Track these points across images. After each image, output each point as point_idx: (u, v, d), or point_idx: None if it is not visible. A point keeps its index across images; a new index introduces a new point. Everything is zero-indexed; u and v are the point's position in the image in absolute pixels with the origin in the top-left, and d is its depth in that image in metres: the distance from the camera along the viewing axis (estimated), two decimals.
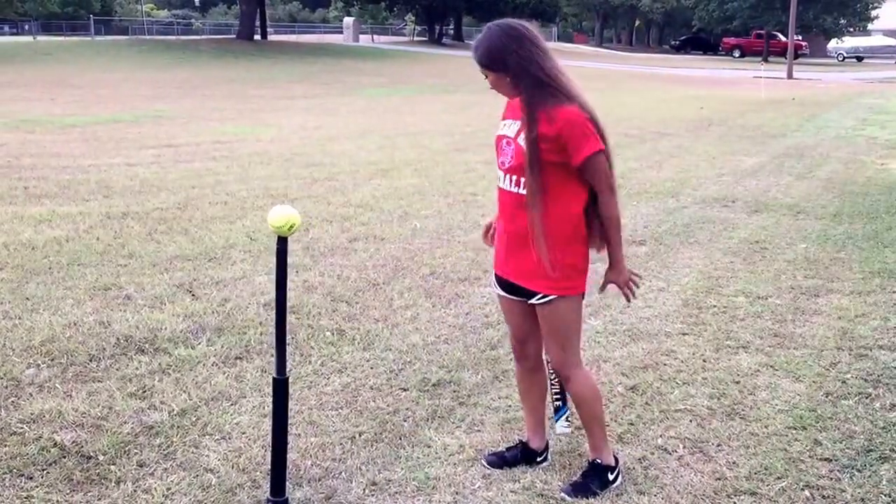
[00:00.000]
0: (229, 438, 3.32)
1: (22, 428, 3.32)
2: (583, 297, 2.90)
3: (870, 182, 9.49)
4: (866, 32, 57.33)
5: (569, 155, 2.68)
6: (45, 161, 9.71)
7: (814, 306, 5.08)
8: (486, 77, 2.76)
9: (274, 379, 2.72)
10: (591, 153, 2.68)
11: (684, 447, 3.35)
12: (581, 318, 2.96)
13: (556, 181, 2.72)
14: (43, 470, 3.04)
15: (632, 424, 3.54)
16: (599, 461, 3.05)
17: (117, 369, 3.91)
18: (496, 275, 2.99)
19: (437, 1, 53.19)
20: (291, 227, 2.61)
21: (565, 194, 2.75)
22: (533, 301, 2.85)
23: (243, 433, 3.36)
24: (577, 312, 2.90)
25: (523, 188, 2.73)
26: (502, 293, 3.00)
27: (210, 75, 27.61)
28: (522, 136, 2.71)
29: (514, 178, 2.77)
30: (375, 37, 61.60)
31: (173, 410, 3.51)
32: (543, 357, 3.10)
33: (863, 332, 4.61)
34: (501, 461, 3.20)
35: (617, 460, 3.11)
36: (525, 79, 2.70)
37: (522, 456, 3.22)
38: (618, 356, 4.27)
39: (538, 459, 3.21)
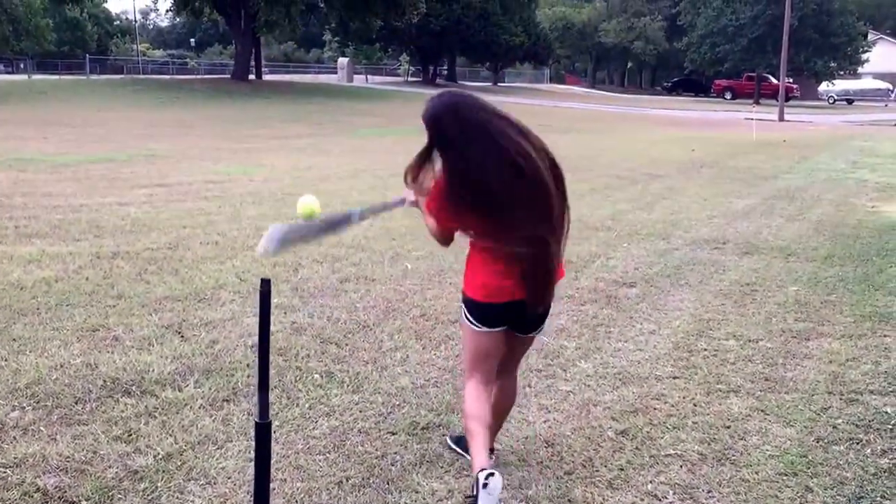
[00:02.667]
0: (214, 483, 3.28)
1: (5, 472, 3.27)
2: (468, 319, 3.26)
3: (861, 225, 9.53)
4: (857, 75, 58.15)
5: None
6: (36, 200, 9.70)
7: (804, 350, 5.07)
8: None
9: (256, 423, 2.69)
10: None
11: (674, 493, 3.32)
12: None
13: None
14: None
15: (622, 470, 3.51)
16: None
17: (103, 412, 3.87)
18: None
19: (432, 42, 53.78)
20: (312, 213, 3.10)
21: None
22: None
23: (229, 478, 3.32)
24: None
25: None
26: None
27: (204, 115, 27.74)
28: None
29: None
30: (370, 77, 62.14)
31: (159, 454, 3.47)
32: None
33: (854, 377, 4.60)
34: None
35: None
36: None
37: None
38: (608, 400, 4.25)
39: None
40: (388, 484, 3.33)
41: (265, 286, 2.62)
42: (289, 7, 38.46)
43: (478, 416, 3.11)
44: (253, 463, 3.27)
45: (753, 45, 54.46)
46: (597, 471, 3.49)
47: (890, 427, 3.95)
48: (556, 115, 33.16)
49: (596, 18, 75.24)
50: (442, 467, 3.48)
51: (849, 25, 54.74)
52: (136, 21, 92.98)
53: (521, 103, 41.81)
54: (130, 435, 3.65)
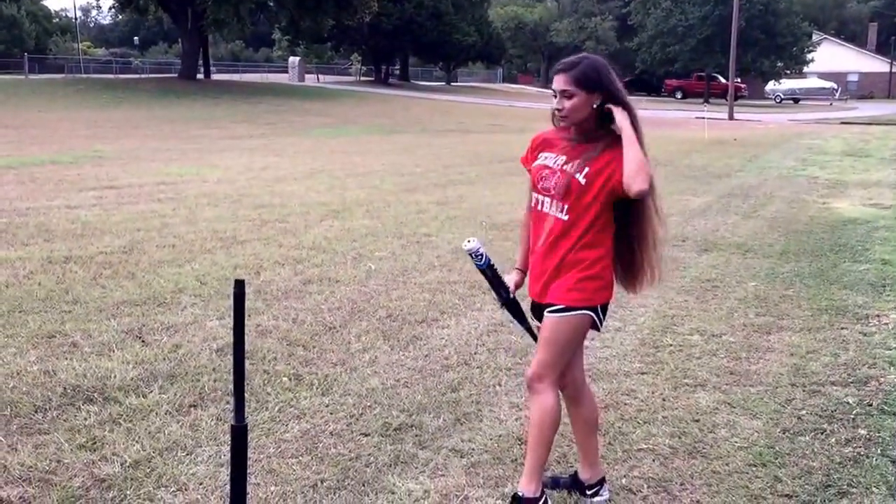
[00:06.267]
0: (185, 490, 3.20)
1: None
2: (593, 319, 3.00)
3: (813, 221, 9.73)
4: (802, 75, 59.38)
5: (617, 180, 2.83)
6: None
7: (766, 343, 5.15)
8: (569, 97, 2.87)
9: (232, 426, 2.63)
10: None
11: (649, 487, 3.35)
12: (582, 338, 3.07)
13: (602, 210, 2.91)
14: None
15: None
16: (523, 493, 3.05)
17: (65, 420, 3.76)
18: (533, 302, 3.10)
19: (384, 41, 53.60)
20: None
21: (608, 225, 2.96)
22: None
23: (200, 484, 3.25)
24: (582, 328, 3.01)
25: (566, 214, 2.91)
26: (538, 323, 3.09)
27: (151, 115, 27.26)
28: (570, 166, 2.91)
29: (561, 204, 2.93)
30: (321, 76, 61.69)
31: (126, 462, 3.39)
32: (585, 388, 3.23)
33: (815, 369, 4.68)
34: (554, 483, 3.30)
35: (543, 493, 3.07)
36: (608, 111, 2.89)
37: (573, 483, 3.29)
38: None
39: (588, 493, 3.23)
40: (363, 486, 3.29)
41: (239, 287, 2.57)
42: (237, 5, 37.94)
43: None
44: (224, 468, 3.23)
45: (702, 45, 55.28)
46: (571, 466, 3.49)
47: (852, 417, 4.03)
48: (510, 115, 33.29)
49: (547, 18, 75.86)
50: (416, 467, 3.45)
51: (794, 26, 55.85)
52: (76, 18, 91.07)
53: (475, 103, 41.95)
54: (95, 443, 3.55)
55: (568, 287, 2.93)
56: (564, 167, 2.93)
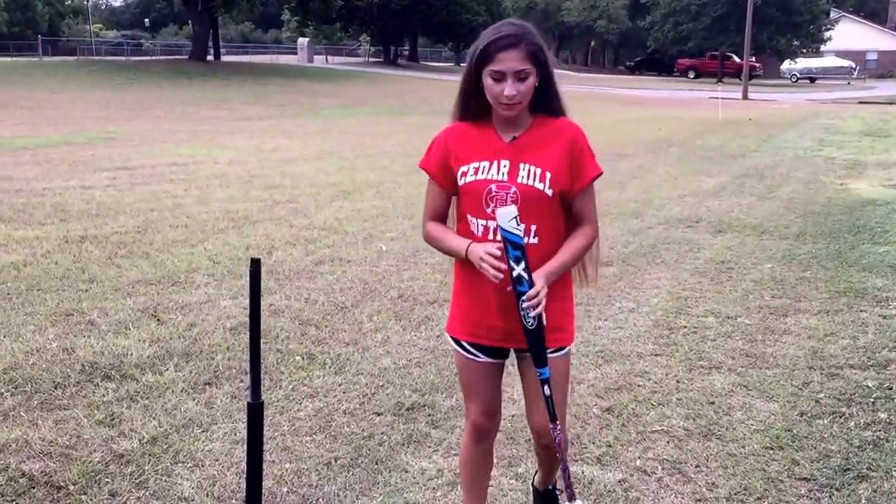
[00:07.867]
0: (202, 466, 3.23)
1: None
2: None
3: (831, 202, 9.65)
4: (819, 54, 58.59)
5: (573, 178, 2.33)
6: None
7: (783, 326, 5.12)
8: (524, 78, 2.22)
9: (249, 403, 2.64)
10: (595, 175, 2.35)
11: (663, 469, 3.34)
12: None
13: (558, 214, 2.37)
14: (12, 501, 2.94)
15: (609, 446, 3.51)
16: (553, 485, 2.97)
17: (84, 396, 3.80)
18: (476, 343, 2.48)
19: (393, 22, 53.33)
20: None
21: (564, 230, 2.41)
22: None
23: (216, 460, 3.27)
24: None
25: (535, 236, 2.30)
26: (483, 358, 2.50)
27: (162, 96, 27.26)
28: (524, 174, 2.29)
29: (527, 227, 2.28)
30: (330, 57, 61.47)
31: (143, 438, 3.42)
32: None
33: (833, 352, 4.65)
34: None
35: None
36: (551, 88, 2.34)
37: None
38: (591, 378, 4.25)
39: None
40: (376, 464, 3.30)
41: (255, 266, 2.57)
42: None
43: None
44: (240, 445, 3.25)
45: (717, 23, 54.67)
46: (585, 448, 3.49)
47: (871, 400, 4.00)
48: None
49: None
50: (429, 446, 3.46)
51: (811, 3, 54.94)
52: (88, 1, 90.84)
53: None
54: (114, 419, 3.59)
55: (560, 325, 2.46)
56: (519, 178, 2.29)
